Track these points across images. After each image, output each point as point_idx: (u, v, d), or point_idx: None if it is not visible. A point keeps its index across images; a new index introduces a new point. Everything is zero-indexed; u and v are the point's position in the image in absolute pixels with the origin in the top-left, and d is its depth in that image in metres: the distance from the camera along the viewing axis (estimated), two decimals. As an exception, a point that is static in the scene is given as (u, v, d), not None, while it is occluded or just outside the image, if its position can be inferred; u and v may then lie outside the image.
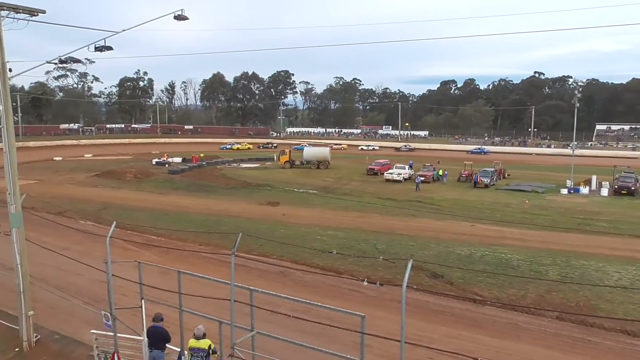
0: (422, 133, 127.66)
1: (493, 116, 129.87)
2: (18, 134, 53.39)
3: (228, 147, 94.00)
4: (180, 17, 13.08)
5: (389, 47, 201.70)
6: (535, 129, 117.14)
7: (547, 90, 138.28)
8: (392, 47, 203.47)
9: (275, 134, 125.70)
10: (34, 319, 13.37)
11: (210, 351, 9.69)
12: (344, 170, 59.25)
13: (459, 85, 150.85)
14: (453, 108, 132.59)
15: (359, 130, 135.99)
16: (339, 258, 20.46)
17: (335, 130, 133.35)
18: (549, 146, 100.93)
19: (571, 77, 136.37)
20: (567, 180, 46.01)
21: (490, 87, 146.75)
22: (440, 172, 51.23)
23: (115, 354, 10.85)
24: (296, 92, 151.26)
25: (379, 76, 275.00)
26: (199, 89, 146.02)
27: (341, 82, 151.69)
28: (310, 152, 63.91)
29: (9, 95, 12.51)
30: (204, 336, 9.78)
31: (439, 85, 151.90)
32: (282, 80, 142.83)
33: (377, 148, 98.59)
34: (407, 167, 53.29)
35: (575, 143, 57.12)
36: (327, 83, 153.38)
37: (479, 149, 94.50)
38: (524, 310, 15.59)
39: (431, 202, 36.92)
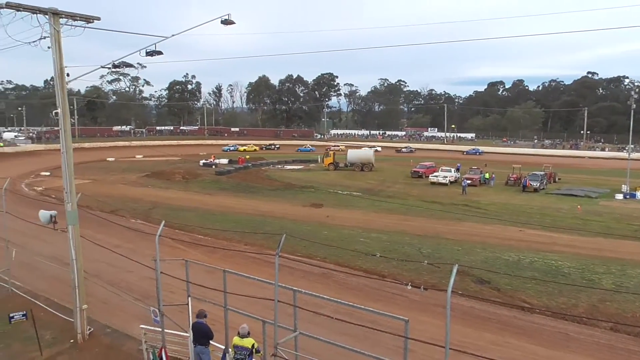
0: (469, 135, 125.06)
1: (543, 118, 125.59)
2: (74, 135, 55.92)
3: (232, 148, 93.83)
4: (227, 22, 13.32)
5: (434, 48, 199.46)
6: (588, 132, 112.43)
7: (601, 91, 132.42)
8: (438, 48, 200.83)
9: (319, 136, 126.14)
10: (88, 312, 13.94)
11: (254, 350, 9.82)
12: (388, 173, 58.80)
13: (507, 87, 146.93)
14: (501, 110, 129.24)
15: (404, 133, 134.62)
16: (383, 261, 20.31)
17: (379, 133, 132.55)
18: (602, 149, 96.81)
19: (627, 77, 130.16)
20: (623, 185, 43.98)
21: (540, 88, 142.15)
22: (487, 175, 50.04)
23: (163, 349, 11.15)
24: (340, 95, 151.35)
25: (424, 77, 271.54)
26: (245, 92, 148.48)
27: (386, 84, 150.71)
28: (354, 154, 63.78)
29: (67, 98, 13.11)
30: (248, 335, 9.93)
31: (486, 87, 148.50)
32: (326, 82, 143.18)
33: (380, 149, 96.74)
34: (453, 169, 52.34)
35: (632, 146, 54.55)
36: (372, 85, 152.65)
37: (474, 149, 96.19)
38: (575, 319, 14.98)
39: (478, 205, 36.11)
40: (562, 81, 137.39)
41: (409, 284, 15.75)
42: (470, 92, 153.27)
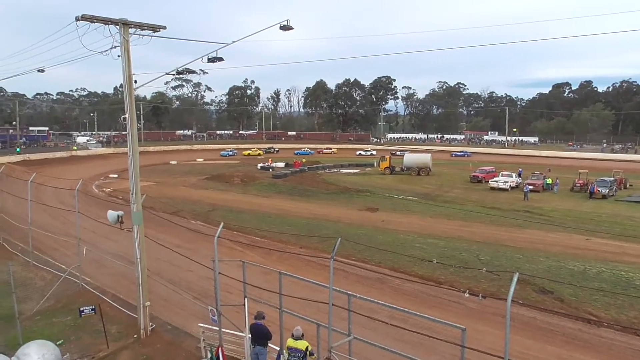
0: (532, 139, 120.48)
1: (613, 121, 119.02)
2: (140, 139, 58.50)
3: (230, 153, 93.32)
4: (285, 27, 13.55)
5: (496, 49, 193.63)
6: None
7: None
8: (499, 49, 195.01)
9: (375, 140, 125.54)
10: (150, 309, 14.53)
11: (308, 352, 9.89)
12: (446, 177, 57.63)
13: (573, 88, 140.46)
14: (566, 112, 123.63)
15: (462, 136, 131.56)
16: (439, 267, 19.91)
17: (437, 136, 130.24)
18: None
19: None
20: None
21: (610, 89, 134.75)
22: (549, 181, 47.90)
23: (220, 348, 11.43)
24: (397, 98, 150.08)
25: (484, 80, 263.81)
26: (302, 96, 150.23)
27: (444, 87, 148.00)
28: (411, 158, 62.99)
29: (134, 104, 13.76)
30: (302, 337, 10.02)
31: (550, 89, 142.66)
32: (384, 86, 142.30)
33: (375, 153, 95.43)
34: (514, 175, 50.56)
35: None
36: (430, 88, 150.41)
37: (462, 152, 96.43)
38: (649, 335, 14.09)
39: (540, 212, 34.68)
40: (635, 81, 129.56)
41: (467, 291, 15.37)
42: (534, 94, 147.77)
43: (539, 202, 39.16)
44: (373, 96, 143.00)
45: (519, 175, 51.75)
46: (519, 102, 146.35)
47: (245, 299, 11.67)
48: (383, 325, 10.23)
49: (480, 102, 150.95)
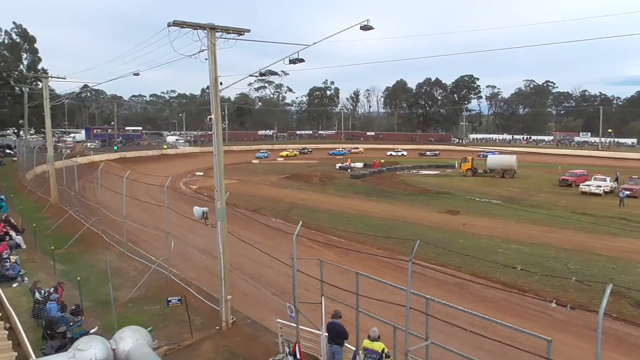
0: (629, 141, 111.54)
1: None
2: (225, 139, 60.89)
3: (265, 155, 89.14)
4: (366, 28, 13.52)
5: (589, 45, 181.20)
6: None
7: None
8: (592, 44, 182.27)
9: (457, 141, 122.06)
10: (231, 302, 15.09)
11: (384, 354, 9.81)
12: (532, 180, 54.78)
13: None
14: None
15: (551, 137, 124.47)
16: (524, 275, 18.99)
17: (523, 137, 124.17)
18: None
19: None
20: None
21: None
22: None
23: (297, 344, 11.62)
24: (481, 97, 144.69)
25: (576, 78, 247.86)
26: (382, 96, 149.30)
27: (531, 85, 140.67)
28: (495, 159, 60.53)
29: (220, 105, 14.35)
30: (378, 338, 9.95)
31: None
32: (466, 85, 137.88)
33: (406, 153, 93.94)
34: (608, 179, 47.02)
35: None
36: (516, 86, 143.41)
37: (489, 151, 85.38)
38: None
39: (638, 220, 32.04)
40: None
41: (554, 301, 14.47)
42: (632, 93, 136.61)
43: (636, 209, 36.17)
44: (455, 95, 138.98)
45: (617, 179, 48.07)
46: (614, 101, 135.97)
47: (322, 298, 11.78)
48: (461, 332, 9.90)
49: (571, 101, 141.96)
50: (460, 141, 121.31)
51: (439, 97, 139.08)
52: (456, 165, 66.46)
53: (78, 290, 16.57)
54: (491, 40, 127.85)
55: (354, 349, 11.11)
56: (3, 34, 74.00)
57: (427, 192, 44.65)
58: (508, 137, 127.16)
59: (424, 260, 20.40)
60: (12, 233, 23.79)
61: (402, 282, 10.58)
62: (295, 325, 12.13)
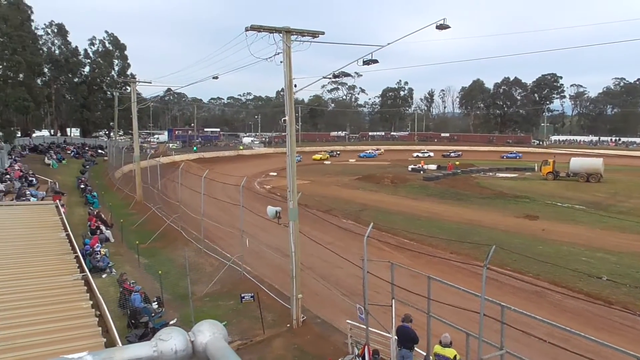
0: None
1: None
2: (298, 140, 61.85)
3: (298, 159, 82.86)
4: (442, 27, 13.26)
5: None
6: None
7: None
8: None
9: (537, 142, 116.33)
10: (302, 301, 15.34)
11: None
12: (621, 185, 51.08)
13: None
14: None
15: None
16: (610, 285, 17.79)
17: (610, 139, 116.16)
18: None
19: None
20: None
21: None
22: None
23: (367, 346, 11.60)
24: (564, 97, 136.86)
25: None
26: (457, 97, 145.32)
27: (622, 84, 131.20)
28: (579, 162, 57.00)
29: (293, 107, 14.64)
30: (450, 345, 9.73)
31: None
32: (548, 84, 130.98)
33: (432, 154, 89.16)
34: None
35: None
36: (604, 85, 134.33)
37: (514, 153, 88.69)
38: None
39: None
40: None
41: (644, 315, 13.50)
42: None
43: None
44: (536, 95, 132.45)
45: None
46: None
47: (393, 301, 11.69)
48: (539, 343, 9.48)
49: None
50: (541, 143, 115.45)
51: (518, 97, 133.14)
52: (536, 168, 63.33)
53: (159, 283, 17.53)
54: (575, 36, 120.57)
55: (424, 354, 10.93)
56: (97, 42, 79.81)
57: (504, 196, 42.91)
58: (594, 138, 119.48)
59: (500, 266, 19.67)
60: (103, 227, 25.56)
61: (475, 288, 10.27)
62: (364, 326, 12.11)
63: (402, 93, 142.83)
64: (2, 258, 8.21)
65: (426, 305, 11.03)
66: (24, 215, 11.75)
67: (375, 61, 14.38)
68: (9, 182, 33.05)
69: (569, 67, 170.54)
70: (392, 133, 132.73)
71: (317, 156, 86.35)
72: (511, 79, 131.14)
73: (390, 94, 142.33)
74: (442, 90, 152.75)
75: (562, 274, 18.99)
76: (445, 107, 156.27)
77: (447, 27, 13.28)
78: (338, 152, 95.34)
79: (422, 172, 62.61)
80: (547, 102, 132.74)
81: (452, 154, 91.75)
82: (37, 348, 5.04)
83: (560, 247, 24.53)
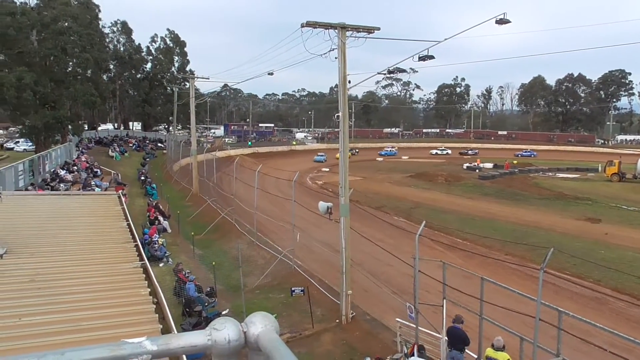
0: None
1: None
2: (350, 136, 61.75)
3: (321, 158, 72.25)
4: (502, 21, 12.88)
5: None
6: None
7: None
8: None
9: (601, 142, 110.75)
10: (351, 297, 15.36)
11: (508, 365, 9.34)
12: (696, 189, 47.82)
13: None
14: None
15: None
16: (680, 295, 16.76)
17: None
18: None
19: None
20: None
21: None
22: None
23: (416, 345, 11.49)
24: (632, 94, 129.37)
25: None
26: (517, 94, 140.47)
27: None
28: (649, 164, 53.81)
29: (347, 103, 14.64)
30: (503, 348, 9.49)
31: None
32: (615, 80, 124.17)
33: (450, 152, 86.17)
34: None
35: None
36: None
37: (528, 151, 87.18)
38: None
39: None
40: None
41: None
42: None
43: None
44: (601, 92, 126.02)
45: None
46: None
47: (444, 301, 11.51)
48: (598, 351, 9.07)
49: None
50: (605, 142, 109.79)
51: (582, 95, 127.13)
52: (600, 168, 60.31)
53: (213, 274, 18.04)
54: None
55: (475, 356, 10.70)
56: (159, 39, 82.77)
57: (564, 197, 41.16)
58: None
59: (558, 270, 18.91)
60: (160, 218, 26.57)
61: (531, 292, 9.96)
62: (414, 325, 12.00)
63: (458, 89, 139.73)
64: (70, 244, 8.71)
65: (478, 306, 10.80)
66: (90, 205, 12.39)
67: (432, 57, 14.16)
68: (76, 172, 34.94)
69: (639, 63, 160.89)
70: (447, 130, 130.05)
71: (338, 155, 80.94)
72: (575, 75, 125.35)
73: (446, 90, 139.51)
74: (501, 86, 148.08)
75: (626, 280, 18.02)
76: (503, 105, 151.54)
77: (507, 21, 12.89)
78: (357, 150, 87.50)
79: (477, 170, 61.08)
80: (614, 100, 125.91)
81: (470, 152, 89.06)
82: (100, 331, 5.32)
83: (625, 252, 23.30)
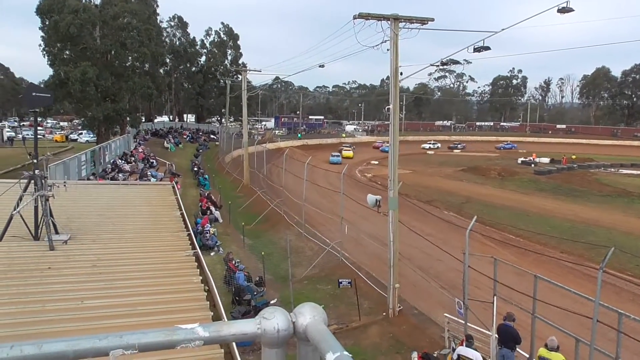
0: None
1: None
2: (401, 129, 60.98)
3: (337, 160, 58.02)
4: (564, 10, 12.35)
5: None
6: None
7: None
8: None
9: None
10: (399, 291, 15.26)
11: (562, 367, 9.04)
12: None
13: None
14: None
15: None
16: None
17: None
18: None
19: None
20: None
21: None
22: None
23: (464, 342, 11.30)
24: None
25: None
26: (578, 86, 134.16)
27: None
28: None
29: (398, 95, 14.47)
30: (557, 349, 9.19)
31: None
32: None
33: (440, 145, 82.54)
34: None
35: None
36: None
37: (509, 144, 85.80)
38: None
39: None
40: None
41: None
42: None
43: None
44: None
45: None
46: None
47: (495, 297, 11.25)
48: (663, 358, 8.61)
49: None
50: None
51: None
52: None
53: (262, 263, 18.37)
54: None
55: (527, 355, 10.41)
56: (213, 33, 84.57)
57: (628, 195, 39.11)
58: None
59: (619, 270, 18.08)
60: (212, 208, 27.25)
61: (588, 292, 9.57)
62: (463, 321, 11.80)
63: (514, 82, 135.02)
64: (128, 232, 9.10)
65: (531, 305, 10.48)
66: (146, 194, 12.88)
67: (487, 48, 13.76)
68: (133, 163, 36.37)
69: None
70: (501, 123, 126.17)
71: (348, 153, 65.33)
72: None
73: (502, 82, 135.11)
74: (561, 78, 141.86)
75: (694, 284, 17.03)
76: (562, 97, 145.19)
77: (570, 10, 12.35)
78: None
79: (532, 165, 59.02)
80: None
81: (459, 146, 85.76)
82: (155, 316, 5.55)
83: (694, 254, 21.94)
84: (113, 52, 45.30)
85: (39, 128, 12.57)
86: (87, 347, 1.39)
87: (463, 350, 10.05)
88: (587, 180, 47.83)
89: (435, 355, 12.34)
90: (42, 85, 32.16)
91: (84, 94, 42.12)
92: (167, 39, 78.42)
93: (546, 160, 63.13)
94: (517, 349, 10.69)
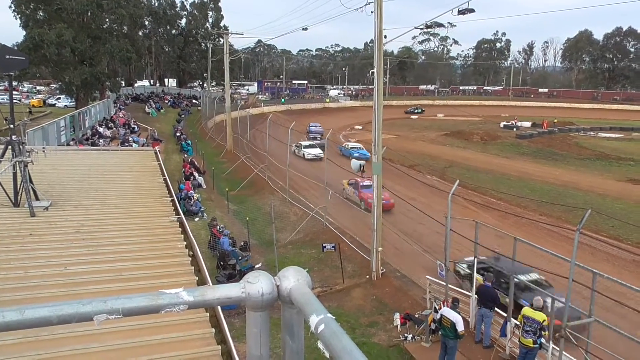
0: None
1: None
2: (385, 93, 60.64)
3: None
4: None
5: None
6: None
7: None
8: None
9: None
10: (382, 254, 15.51)
11: (544, 325, 9.37)
12: None
13: None
14: None
15: None
16: None
17: None
18: None
19: None
20: None
21: None
22: None
23: (445, 302, 11.61)
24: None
25: None
26: (561, 49, 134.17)
27: None
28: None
29: (382, 59, 14.33)
30: (542, 309, 9.50)
31: None
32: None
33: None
34: None
35: None
36: None
37: (414, 108, 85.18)
38: None
39: None
40: None
41: None
42: None
43: None
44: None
45: None
46: None
47: (475, 259, 11.51)
48: (632, 313, 8.96)
49: None
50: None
51: (632, 50, 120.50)
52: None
53: (247, 229, 18.45)
54: None
55: (505, 315, 10.75)
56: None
57: (606, 157, 39.83)
58: None
59: (595, 232, 18.57)
60: (195, 174, 27.09)
61: (565, 253, 9.83)
62: (444, 283, 12.09)
63: (498, 45, 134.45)
64: (111, 198, 9.03)
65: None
66: (128, 160, 12.73)
67: (472, 10, 13.64)
68: (114, 128, 35.75)
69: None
70: (485, 87, 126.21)
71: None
72: (624, 29, 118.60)
73: (486, 45, 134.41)
74: (545, 42, 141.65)
75: (666, 244, 17.60)
76: (545, 61, 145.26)
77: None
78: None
79: (515, 129, 59.50)
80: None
81: (416, 110, 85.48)
82: (139, 281, 5.57)
83: (668, 215, 22.59)
84: (89, 13, 43.76)
85: (14, 92, 12.22)
86: (71, 312, 1.39)
87: (446, 311, 10.34)
88: (567, 143, 48.48)
89: (417, 316, 12.68)
90: (15, 49, 31.09)
91: (60, 57, 40.86)
92: (145, 0, 75.97)
93: (528, 124, 63.65)
94: (496, 309, 11.02)
